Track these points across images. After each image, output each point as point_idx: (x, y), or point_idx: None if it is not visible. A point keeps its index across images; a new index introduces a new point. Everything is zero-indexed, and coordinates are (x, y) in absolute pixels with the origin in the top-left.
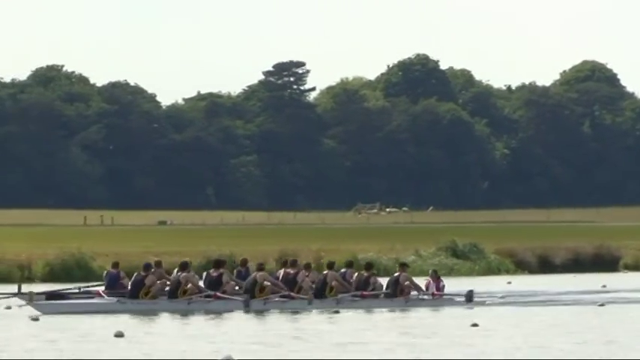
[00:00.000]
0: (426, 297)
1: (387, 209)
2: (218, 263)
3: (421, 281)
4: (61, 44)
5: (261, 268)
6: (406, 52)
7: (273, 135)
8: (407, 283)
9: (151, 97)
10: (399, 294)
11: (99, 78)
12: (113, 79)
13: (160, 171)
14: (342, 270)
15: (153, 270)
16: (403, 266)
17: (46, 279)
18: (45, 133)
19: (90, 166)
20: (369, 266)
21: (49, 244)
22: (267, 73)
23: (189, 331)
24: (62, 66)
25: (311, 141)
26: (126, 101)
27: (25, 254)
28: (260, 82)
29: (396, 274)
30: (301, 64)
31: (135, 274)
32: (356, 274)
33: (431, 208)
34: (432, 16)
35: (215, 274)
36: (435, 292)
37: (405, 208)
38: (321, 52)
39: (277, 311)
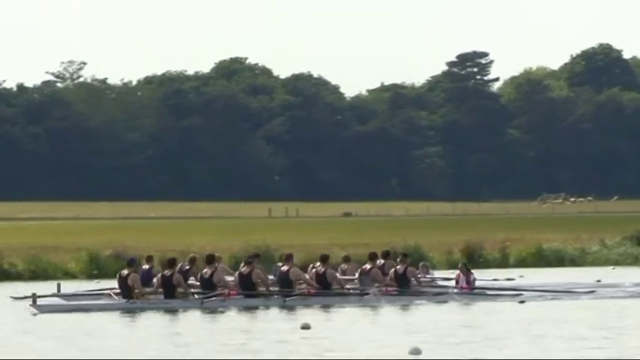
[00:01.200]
0: (456, 291)
1: (572, 199)
2: (210, 259)
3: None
4: (244, 37)
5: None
6: (589, 42)
7: (457, 126)
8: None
9: (335, 89)
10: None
11: (282, 70)
12: (297, 71)
13: (343, 162)
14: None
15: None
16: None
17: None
18: (229, 125)
19: (274, 158)
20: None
21: (234, 237)
22: (450, 64)
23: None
24: (245, 58)
25: (495, 131)
26: (309, 93)
27: (210, 247)
28: (443, 72)
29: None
30: (484, 55)
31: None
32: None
33: (615, 197)
34: (615, 4)
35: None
36: (464, 286)
37: (589, 198)
38: (505, 43)
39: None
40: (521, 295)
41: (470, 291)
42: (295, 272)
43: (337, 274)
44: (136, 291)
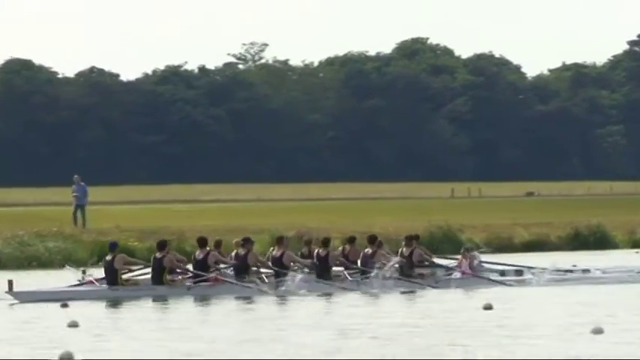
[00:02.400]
0: (458, 276)
1: None
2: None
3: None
4: (425, 17)
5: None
6: None
7: (639, 104)
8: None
9: (516, 69)
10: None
11: (464, 50)
12: (478, 51)
13: (525, 142)
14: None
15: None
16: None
17: None
18: (411, 105)
19: (456, 138)
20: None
21: (417, 217)
22: (631, 43)
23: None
24: (427, 38)
25: None
26: (491, 73)
27: (392, 227)
28: (625, 51)
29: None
30: None
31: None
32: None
33: None
34: None
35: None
36: (466, 271)
37: None
38: None
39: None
40: (525, 280)
41: (471, 275)
42: (289, 256)
43: (340, 257)
44: (123, 276)
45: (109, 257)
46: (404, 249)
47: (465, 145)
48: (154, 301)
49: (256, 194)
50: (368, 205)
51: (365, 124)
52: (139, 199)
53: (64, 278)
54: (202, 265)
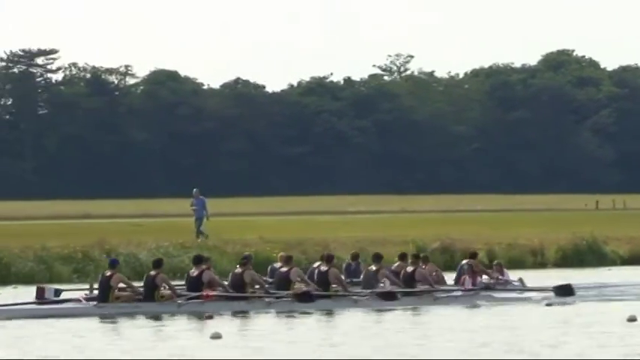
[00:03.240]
0: (460, 293)
1: None
2: (198, 260)
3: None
4: (571, 29)
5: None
6: None
7: None
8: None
9: None
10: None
11: (609, 62)
12: (623, 63)
13: None
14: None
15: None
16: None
17: (558, 264)
18: (555, 117)
19: (601, 150)
20: (376, 258)
21: (562, 229)
22: None
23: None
24: (572, 50)
25: None
26: (636, 85)
27: (537, 239)
28: None
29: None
30: None
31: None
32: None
33: None
34: None
35: (195, 272)
36: (467, 288)
37: None
38: None
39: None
40: (529, 299)
41: (473, 293)
42: (296, 272)
43: (340, 275)
44: (118, 293)
45: (108, 273)
46: (409, 268)
47: (609, 157)
48: (147, 317)
49: (400, 205)
50: (512, 216)
51: (509, 135)
52: (283, 210)
53: None
54: (196, 284)
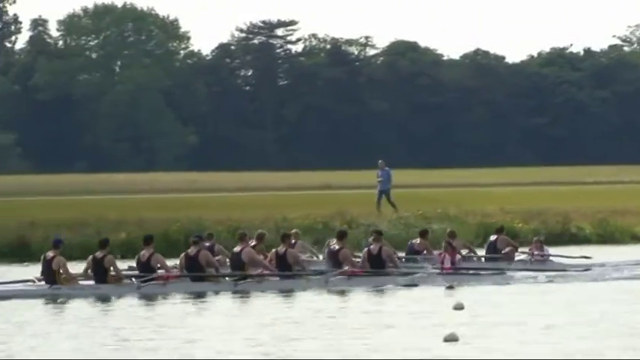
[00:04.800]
0: (436, 271)
1: None
2: (148, 239)
3: None
4: None
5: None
6: None
7: None
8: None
9: None
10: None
11: None
12: None
13: None
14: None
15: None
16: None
17: None
18: None
19: None
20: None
21: None
22: None
23: None
24: None
25: None
26: None
27: None
28: None
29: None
30: None
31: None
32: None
33: None
34: None
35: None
36: (447, 267)
37: None
38: None
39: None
40: (507, 275)
41: (450, 272)
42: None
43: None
44: (63, 276)
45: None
46: (372, 246)
47: None
48: (97, 300)
49: None
50: None
51: None
52: (524, 181)
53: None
54: (146, 265)
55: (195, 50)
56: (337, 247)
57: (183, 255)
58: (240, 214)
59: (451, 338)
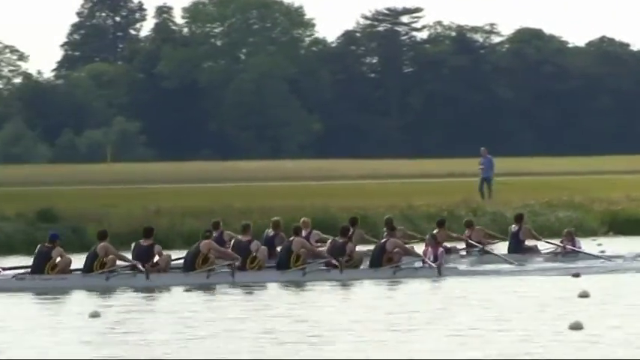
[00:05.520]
0: (427, 266)
1: None
2: (148, 232)
3: None
4: None
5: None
6: None
7: None
8: (396, 249)
9: None
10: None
11: None
12: None
13: None
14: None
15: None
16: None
17: None
18: None
19: None
20: (344, 231)
21: None
22: None
23: None
24: None
25: None
26: None
27: None
28: None
29: (383, 240)
30: None
31: (39, 246)
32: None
33: None
34: None
35: (145, 244)
36: (426, 261)
37: None
38: None
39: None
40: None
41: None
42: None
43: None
44: (57, 268)
45: (48, 246)
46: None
47: None
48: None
49: None
50: None
51: None
52: None
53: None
54: (147, 254)
55: (320, 37)
56: (341, 240)
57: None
58: (366, 202)
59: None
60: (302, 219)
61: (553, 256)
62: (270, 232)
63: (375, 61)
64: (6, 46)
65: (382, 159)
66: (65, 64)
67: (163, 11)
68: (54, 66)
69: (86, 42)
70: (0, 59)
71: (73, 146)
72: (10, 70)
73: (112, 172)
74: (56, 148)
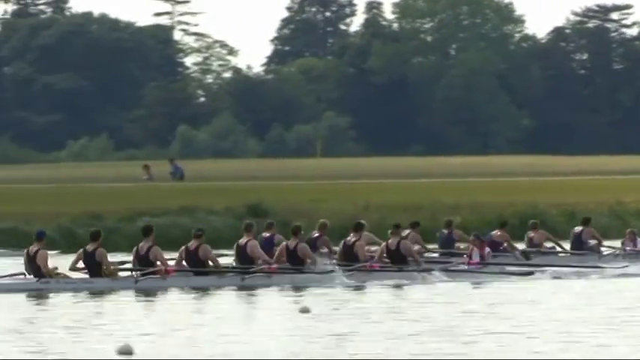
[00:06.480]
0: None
1: None
2: (147, 230)
3: None
4: None
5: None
6: None
7: None
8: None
9: None
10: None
11: None
12: None
13: None
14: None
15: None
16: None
17: None
18: None
19: None
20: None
21: None
22: None
23: None
24: None
25: None
26: None
27: None
28: None
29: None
30: None
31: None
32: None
33: None
34: None
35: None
36: (473, 262)
37: None
38: None
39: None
40: (533, 273)
41: (478, 267)
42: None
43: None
44: (44, 270)
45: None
46: (390, 240)
47: None
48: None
49: None
50: None
51: None
52: None
53: None
54: (144, 258)
55: (530, 34)
56: (353, 239)
57: (183, 248)
58: (575, 198)
59: None
60: (320, 220)
61: (613, 257)
62: (315, 233)
63: (585, 57)
64: (216, 41)
65: (592, 155)
66: (275, 59)
67: (373, 7)
68: (263, 61)
69: (296, 37)
70: (210, 54)
71: (283, 141)
72: (219, 65)
73: (321, 167)
74: (265, 143)
